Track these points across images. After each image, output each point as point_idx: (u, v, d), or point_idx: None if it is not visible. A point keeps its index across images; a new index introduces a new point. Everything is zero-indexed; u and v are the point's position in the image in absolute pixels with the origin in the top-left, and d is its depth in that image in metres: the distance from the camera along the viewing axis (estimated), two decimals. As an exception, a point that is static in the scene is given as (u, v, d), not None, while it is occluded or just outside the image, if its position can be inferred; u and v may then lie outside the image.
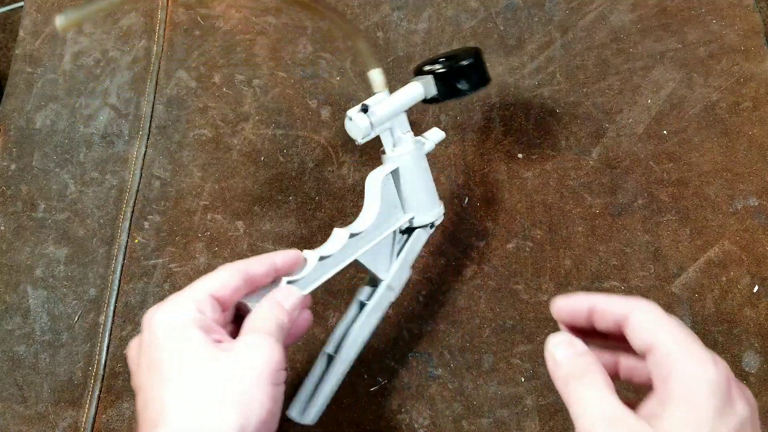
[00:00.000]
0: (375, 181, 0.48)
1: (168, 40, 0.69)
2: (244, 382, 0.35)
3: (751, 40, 0.66)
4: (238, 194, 0.62)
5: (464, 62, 0.51)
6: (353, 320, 0.49)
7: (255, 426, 0.34)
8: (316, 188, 0.62)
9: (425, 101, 0.53)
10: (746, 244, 0.58)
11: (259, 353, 0.36)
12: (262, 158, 0.64)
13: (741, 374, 0.55)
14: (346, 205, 0.61)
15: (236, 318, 0.42)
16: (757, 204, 0.60)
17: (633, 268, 0.58)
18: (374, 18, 0.69)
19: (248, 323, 0.39)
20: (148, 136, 0.65)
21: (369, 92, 0.66)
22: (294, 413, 0.45)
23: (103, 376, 0.57)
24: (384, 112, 0.48)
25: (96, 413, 0.55)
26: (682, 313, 0.57)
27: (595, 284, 0.58)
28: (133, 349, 0.39)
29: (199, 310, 0.37)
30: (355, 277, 0.59)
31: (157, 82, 0.68)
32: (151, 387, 0.35)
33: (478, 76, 0.52)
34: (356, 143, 0.48)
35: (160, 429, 0.33)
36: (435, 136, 0.53)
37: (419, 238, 0.52)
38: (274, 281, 0.43)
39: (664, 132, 0.63)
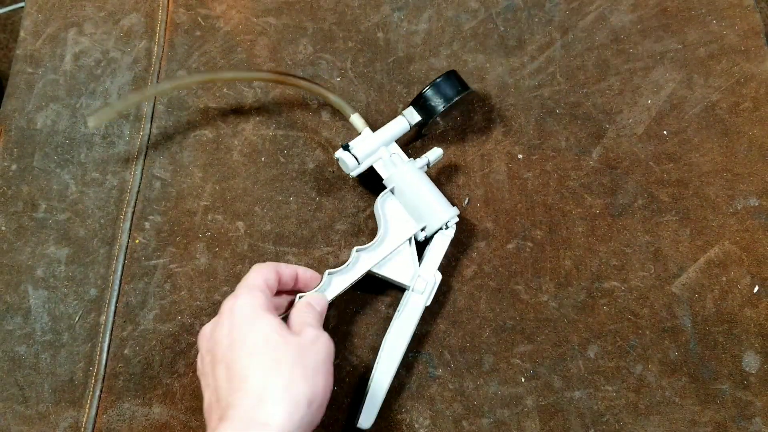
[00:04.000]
0: (377, 202, 0.56)
1: (169, 40, 0.69)
2: (313, 363, 0.44)
3: (751, 40, 0.66)
4: (239, 195, 0.62)
5: (436, 80, 0.59)
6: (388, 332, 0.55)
7: (320, 398, 0.43)
8: (317, 189, 0.62)
9: (420, 129, 0.61)
10: (746, 244, 0.58)
11: (321, 342, 0.45)
12: (263, 159, 0.64)
13: (741, 374, 0.55)
14: (347, 206, 0.62)
15: None
16: (757, 204, 0.60)
17: (633, 269, 0.58)
18: (374, 19, 0.69)
19: (298, 321, 0.48)
20: (149, 136, 0.65)
21: (368, 93, 0.66)
22: (365, 424, 0.52)
23: (104, 376, 0.57)
24: (367, 148, 0.57)
25: (97, 413, 0.55)
26: (683, 313, 0.57)
27: (595, 284, 0.58)
28: (205, 333, 0.47)
29: (266, 297, 0.47)
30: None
31: (157, 83, 0.68)
32: (238, 359, 0.43)
33: (452, 90, 0.59)
34: (349, 176, 0.55)
35: (243, 391, 0.41)
36: (432, 154, 0.58)
37: (440, 242, 0.56)
38: (291, 303, 0.53)
39: (665, 132, 0.63)
